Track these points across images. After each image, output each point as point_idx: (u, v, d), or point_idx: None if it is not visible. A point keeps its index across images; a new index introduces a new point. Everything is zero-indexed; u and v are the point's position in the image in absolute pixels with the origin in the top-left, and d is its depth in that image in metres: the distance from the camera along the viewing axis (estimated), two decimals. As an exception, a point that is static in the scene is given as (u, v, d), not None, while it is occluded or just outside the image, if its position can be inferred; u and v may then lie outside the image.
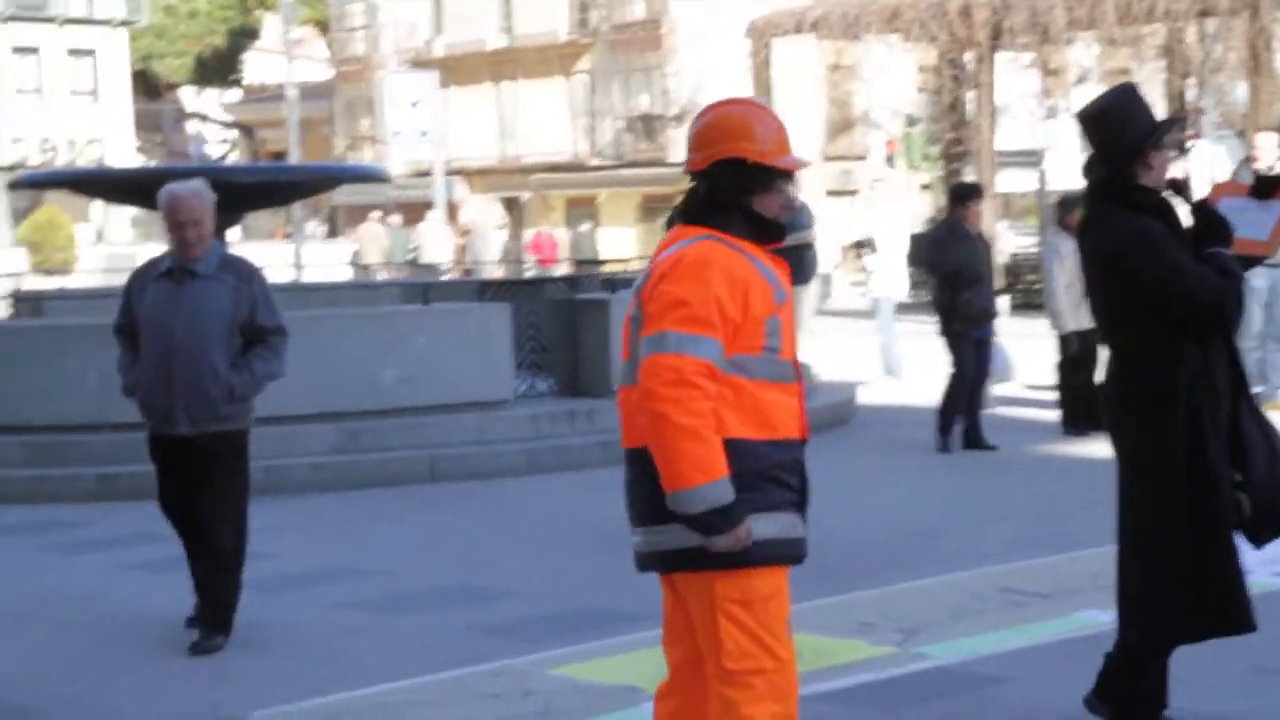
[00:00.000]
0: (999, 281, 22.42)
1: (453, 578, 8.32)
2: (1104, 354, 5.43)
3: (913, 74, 34.74)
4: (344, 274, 30.08)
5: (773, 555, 4.08)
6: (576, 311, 12.66)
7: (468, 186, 50.57)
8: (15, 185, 16.21)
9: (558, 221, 44.63)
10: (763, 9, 29.04)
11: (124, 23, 55.03)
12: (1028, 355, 14.24)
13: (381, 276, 26.61)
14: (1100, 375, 5.69)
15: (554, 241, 35.27)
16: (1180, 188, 5.28)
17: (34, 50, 51.97)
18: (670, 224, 4.24)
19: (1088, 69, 37.59)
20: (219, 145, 61.32)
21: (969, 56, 24.71)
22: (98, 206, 46.92)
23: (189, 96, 65.86)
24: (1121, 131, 5.09)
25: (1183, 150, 26.93)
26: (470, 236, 31.11)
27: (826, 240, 21.43)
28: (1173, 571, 5.07)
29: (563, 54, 49.86)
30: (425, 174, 41.44)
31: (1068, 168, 36.93)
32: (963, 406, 11.97)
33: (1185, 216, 5.26)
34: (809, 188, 35.87)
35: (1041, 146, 30.82)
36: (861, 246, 16.42)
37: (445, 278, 22.21)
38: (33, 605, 8.05)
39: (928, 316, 12.39)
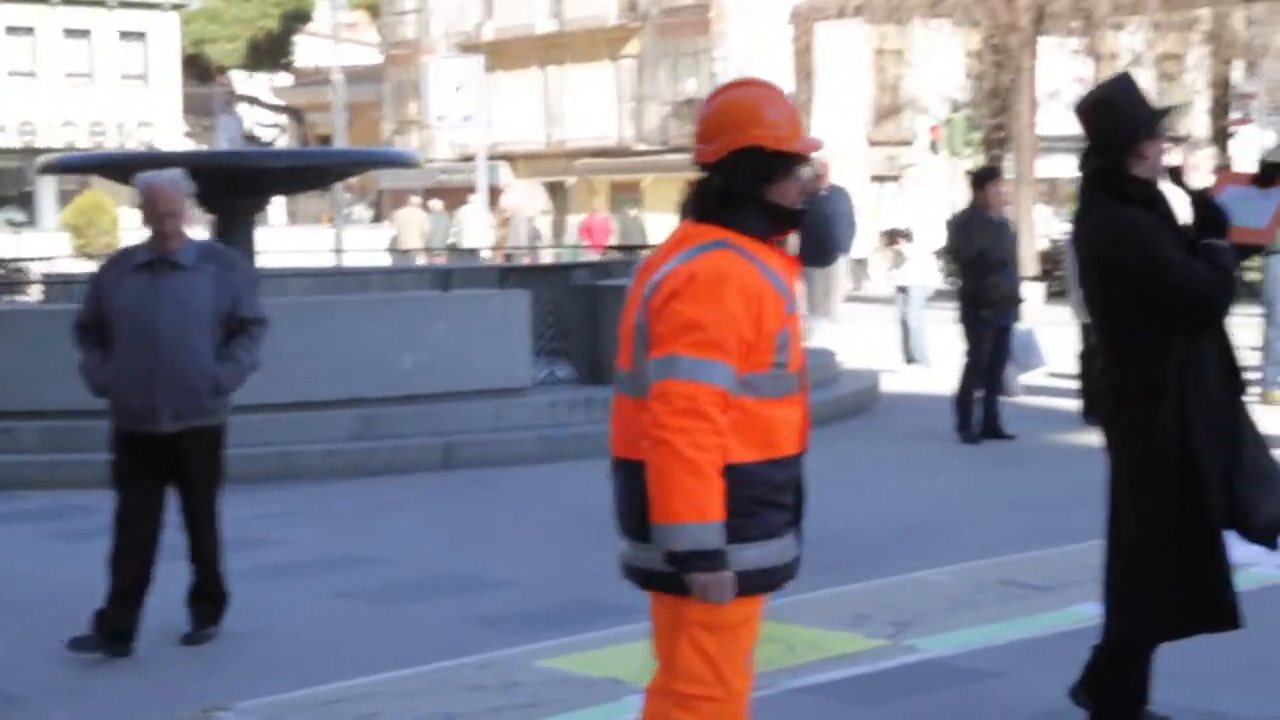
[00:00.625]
0: (1034, 268, 22.31)
1: (454, 567, 8.31)
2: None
3: (960, 59, 34.49)
4: (384, 259, 30.19)
5: (753, 586, 3.96)
6: (598, 298, 12.62)
7: (512, 171, 50.64)
8: (44, 170, 16.25)
9: (601, 206, 44.58)
10: (807, -7, 28.91)
11: (175, 6, 55.32)
12: (1060, 343, 14.13)
13: (421, 261, 26.66)
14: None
15: (607, 226, 35.19)
16: (1178, 177, 5.21)
17: (85, 33, 52.27)
18: (684, 214, 4.04)
19: (1139, 54, 37.34)
20: (269, 129, 61.57)
21: (1013, 41, 24.49)
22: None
23: (240, 80, 66.18)
24: (1114, 122, 5.03)
25: (1228, 135, 26.75)
26: (512, 222, 31.10)
27: (865, 226, 21.30)
28: (1160, 567, 5.01)
29: (611, 38, 49.81)
30: (470, 158, 41.49)
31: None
32: (974, 394, 11.88)
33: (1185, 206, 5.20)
34: (853, 172, 35.76)
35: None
36: (896, 234, 16.29)
37: (485, 262, 22.25)
38: (37, 593, 8.09)
39: (955, 303, 12.28)
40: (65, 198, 47.03)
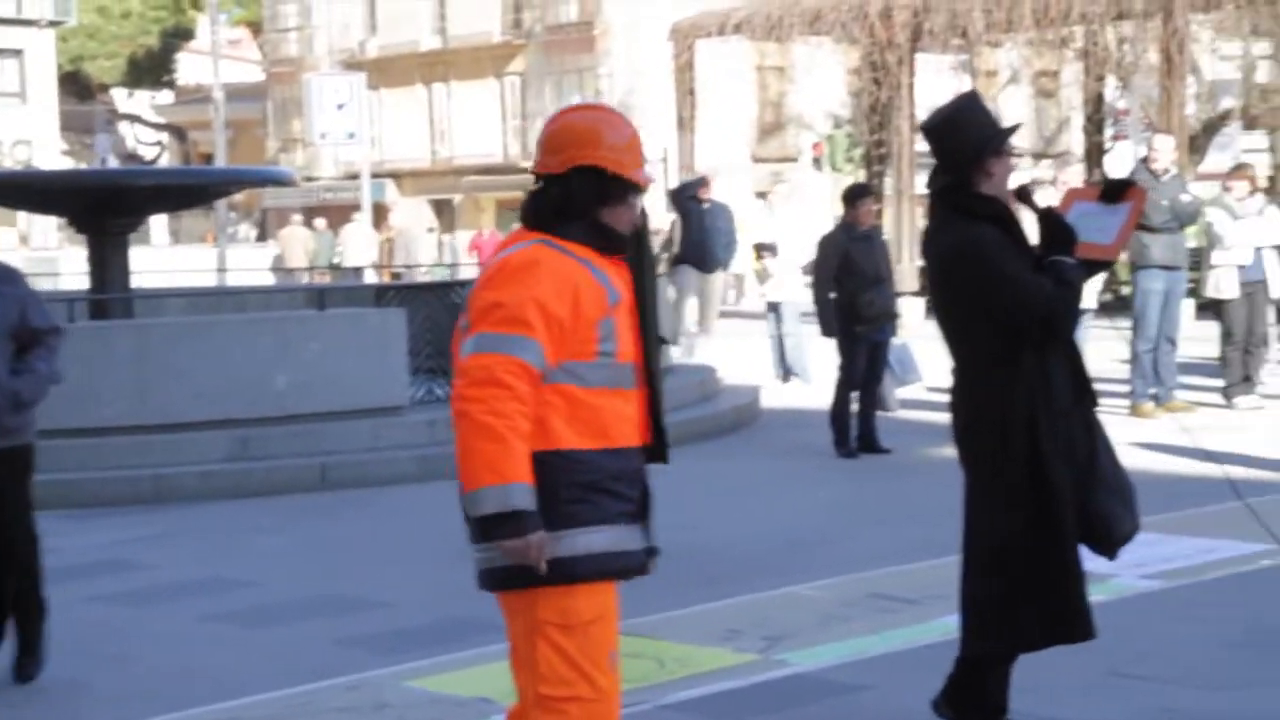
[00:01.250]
0: (914, 283, 22.54)
1: (325, 588, 8.24)
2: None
3: (841, 76, 34.84)
4: (267, 278, 29.92)
5: (598, 570, 3.96)
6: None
7: (398, 189, 50.41)
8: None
9: (489, 224, 44.48)
10: (690, 11, 29.04)
11: (52, 23, 54.56)
12: (937, 358, 14.25)
13: (305, 280, 26.46)
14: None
15: (497, 242, 35.11)
16: (1025, 195, 5.28)
17: (-40, 51, 51.48)
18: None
19: (1016, 71, 37.87)
20: (150, 147, 60.81)
21: (891, 58, 24.75)
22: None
23: (121, 98, 65.34)
24: (960, 140, 5.08)
25: (1103, 151, 27.18)
26: (396, 240, 30.95)
27: (746, 241, 21.46)
28: (1013, 581, 5.07)
29: (495, 55, 49.78)
30: (355, 176, 41.24)
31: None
32: (849, 409, 11.98)
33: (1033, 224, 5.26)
34: (738, 188, 35.96)
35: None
36: (763, 249, 16.44)
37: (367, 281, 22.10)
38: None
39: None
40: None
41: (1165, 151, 13.30)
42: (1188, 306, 17.59)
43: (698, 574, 8.37)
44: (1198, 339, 16.87)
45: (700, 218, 16.57)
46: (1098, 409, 5.19)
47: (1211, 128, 31.78)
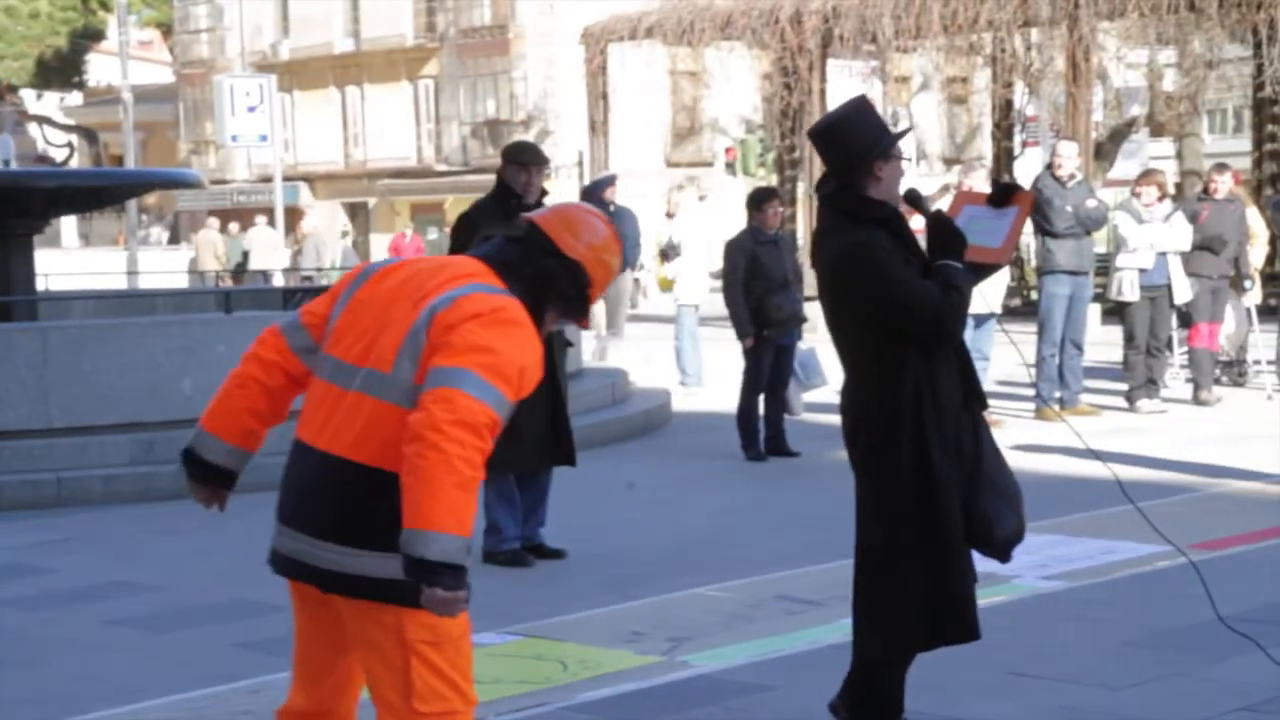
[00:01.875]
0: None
1: (229, 592, 8.18)
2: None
3: (754, 81, 35.00)
4: (180, 281, 29.69)
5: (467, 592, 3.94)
6: (385, 320, 12.52)
7: (312, 192, 50.14)
8: None
9: (404, 226, 44.30)
10: (604, 14, 29.08)
11: (-41, 24, 53.80)
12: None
13: (224, 284, 26.30)
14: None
15: (418, 245, 34.87)
16: (915, 199, 5.32)
17: None
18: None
19: (928, 77, 38.19)
20: (60, 149, 60.08)
21: (801, 64, 24.89)
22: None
23: (30, 99, 64.49)
24: (848, 144, 5.11)
25: (1012, 157, 27.45)
26: (305, 243, 30.80)
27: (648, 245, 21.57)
28: (900, 583, 5.12)
29: (409, 59, 49.62)
30: (269, 179, 40.99)
31: (908, 172, 37.51)
32: (757, 412, 12.06)
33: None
34: (652, 193, 36.04)
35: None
36: (665, 254, 16.53)
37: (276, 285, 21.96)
38: None
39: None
40: None
41: (1070, 157, 13.47)
42: (1094, 311, 17.82)
43: (603, 576, 8.40)
44: (1104, 344, 17.10)
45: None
46: (984, 412, 5.25)
47: (1119, 135, 32.19)
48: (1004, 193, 5.36)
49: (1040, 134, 32.98)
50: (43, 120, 19.31)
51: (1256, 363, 15.49)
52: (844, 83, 27.74)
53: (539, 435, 8.58)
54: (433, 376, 3.76)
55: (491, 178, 9.00)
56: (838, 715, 5.43)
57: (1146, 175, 14.38)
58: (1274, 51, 21.66)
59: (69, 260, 34.12)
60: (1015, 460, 10.85)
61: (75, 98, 63.99)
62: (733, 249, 12.05)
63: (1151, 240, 13.72)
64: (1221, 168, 15.00)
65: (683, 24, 26.09)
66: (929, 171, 41.84)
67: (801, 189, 25.94)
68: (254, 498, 11.44)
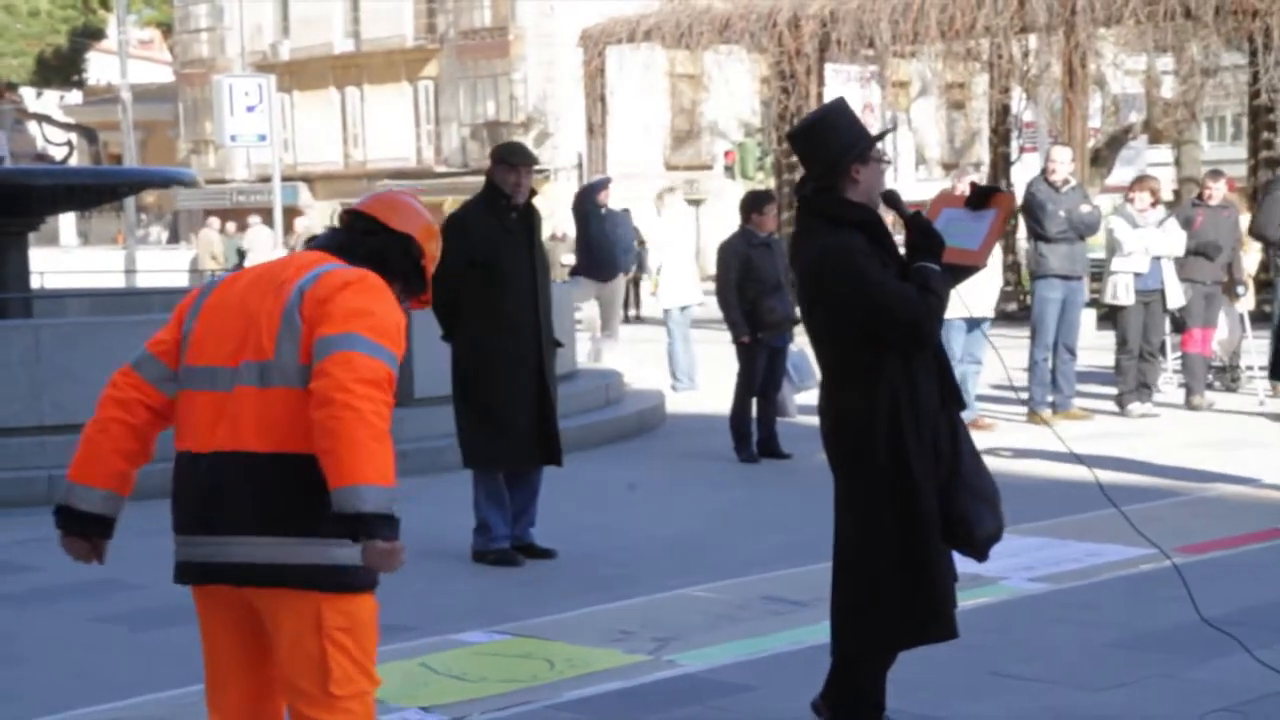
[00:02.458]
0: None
1: (218, 589, 8.19)
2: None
3: (753, 85, 35.05)
4: (183, 280, 29.71)
5: (373, 581, 4.03)
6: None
7: (311, 192, 50.16)
8: None
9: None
10: (603, 17, 29.13)
11: (-41, 22, 53.84)
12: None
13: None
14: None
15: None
16: (894, 201, 5.34)
17: None
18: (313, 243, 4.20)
19: (927, 82, 38.23)
20: (59, 148, 60.13)
21: (799, 68, 24.93)
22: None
23: (30, 97, 64.53)
24: (826, 146, 5.13)
25: (1009, 162, 27.48)
26: (301, 243, 30.85)
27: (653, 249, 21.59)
28: (878, 582, 5.14)
29: (409, 60, 49.66)
30: (268, 179, 41.01)
31: (906, 177, 37.57)
32: (749, 414, 12.08)
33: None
34: (650, 195, 36.09)
35: (887, 159, 31.17)
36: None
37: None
38: None
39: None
40: None
41: (1063, 163, 13.50)
42: (1089, 316, 17.86)
43: (592, 576, 8.42)
44: (1099, 348, 17.12)
45: (600, 224, 16.71)
46: (962, 413, 5.27)
47: (1117, 141, 32.23)
48: (982, 195, 5.38)
49: (1038, 139, 32.99)
50: (42, 118, 19.29)
51: (1249, 368, 15.51)
52: (842, 87, 27.78)
53: (527, 435, 8.61)
54: (322, 345, 3.84)
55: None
56: (819, 714, 5.45)
57: (1140, 181, 14.42)
58: (1269, 59, 21.71)
59: (67, 259, 34.17)
60: (1006, 463, 11.01)
61: (75, 96, 64.06)
62: (726, 252, 12.08)
63: (1146, 244, 13.75)
64: (1216, 174, 15.03)
65: (681, 27, 26.13)
66: (928, 176, 41.90)
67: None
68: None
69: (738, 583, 8.06)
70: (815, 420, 5.38)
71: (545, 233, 13.90)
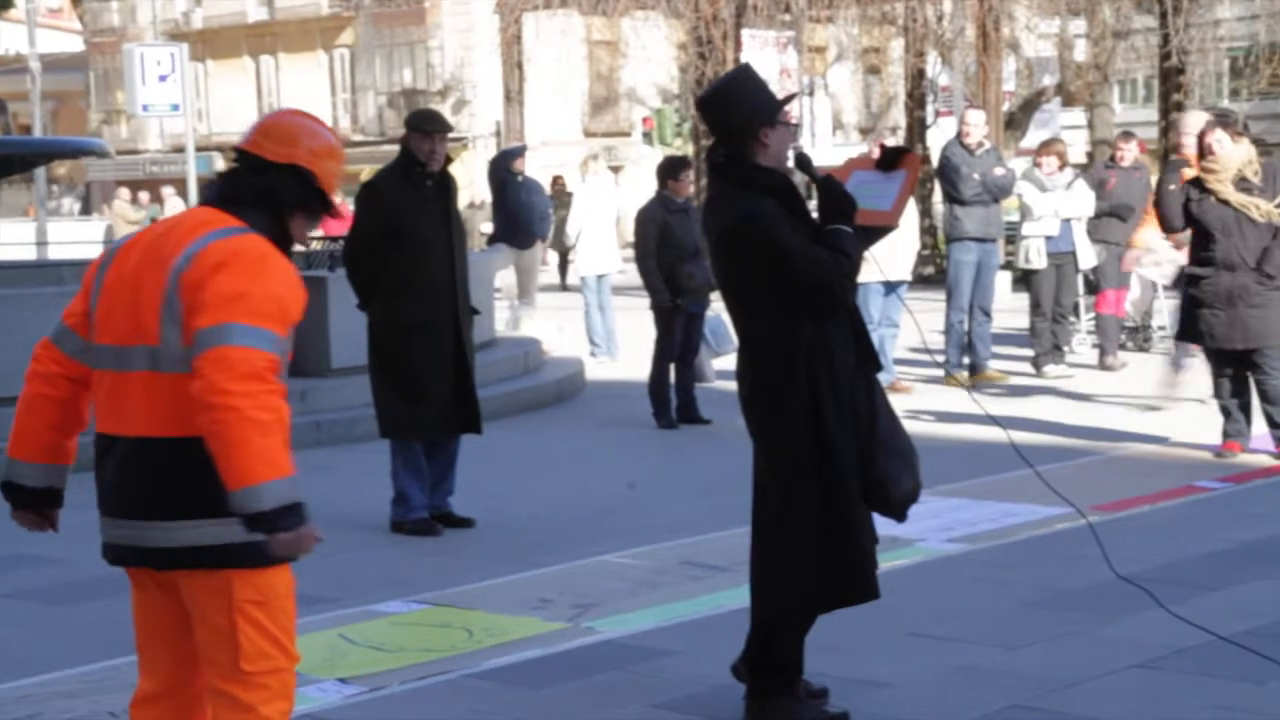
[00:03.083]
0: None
1: (133, 564, 8.11)
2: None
3: (671, 51, 35.02)
4: (96, 252, 29.27)
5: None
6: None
7: (225, 162, 49.68)
8: None
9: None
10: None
11: None
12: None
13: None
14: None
15: (346, 211, 34.53)
16: (804, 164, 5.34)
17: None
18: (206, 200, 4.10)
19: (844, 47, 38.32)
20: (-34, 119, 59.19)
21: (716, 33, 24.91)
22: None
23: (-63, 69, 63.49)
24: (734, 113, 5.12)
25: (925, 127, 27.61)
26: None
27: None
28: (797, 544, 5.15)
29: (324, 28, 49.25)
30: (182, 149, 40.56)
31: (824, 142, 37.65)
32: (668, 380, 12.09)
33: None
34: (570, 162, 35.99)
35: (797, 123, 31.27)
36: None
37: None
38: None
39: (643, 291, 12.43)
40: None
41: (978, 126, 13.57)
42: (1004, 279, 17.99)
43: (511, 544, 8.41)
44: (1014, 310, 17.26)
45: (516, 192, 16.68)
46: (878, 374, 5.29)
47: (1031, 105, 32.45)
48: (892, 156, 5.39)
49: (954, 103, 33.15)
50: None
51: (1161, 329, 15.68)
52: (758, 52, 27.80)
53: (444, 404, 8.57)
54: (198, 339, 3.81)
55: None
56: (740, 677, 5.46)
57: (1047, 145, 14.53)
58: (1179, 21, 21.91)
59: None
60: (923, 426, 11.08)
61: (-17, 67, 63.03)
62: (644, 218, 12.07)
63: (1056, 207, 13.86)
64: (1127, 136, 15.16)
65: (598, -8, 26.06)
66: (845, 141, 42.02)
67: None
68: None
69: (657, 548, 8.07)
70: (733, 386, 5.38)
71: (462, 201, 13.85)
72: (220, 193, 4.06)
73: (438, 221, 8.57)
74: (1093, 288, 14.99)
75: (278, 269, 3.90)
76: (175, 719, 4.16)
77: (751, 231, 5.03)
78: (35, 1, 38.38)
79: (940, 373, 13.76)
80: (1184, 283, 9.88)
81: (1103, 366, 14.49)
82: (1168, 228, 10.35)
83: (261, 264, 3.87)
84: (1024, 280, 15.18)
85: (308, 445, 11.02)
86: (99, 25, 55.54)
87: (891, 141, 14.09)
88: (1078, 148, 32.16)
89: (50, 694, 5.98)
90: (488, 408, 9.38)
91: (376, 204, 8.57)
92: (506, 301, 17.87)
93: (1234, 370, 9.77)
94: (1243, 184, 9.48)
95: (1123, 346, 15.16)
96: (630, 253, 12.73)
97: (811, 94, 34.75)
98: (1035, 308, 14.15)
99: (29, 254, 27.43)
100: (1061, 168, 14.15)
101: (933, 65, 27.88)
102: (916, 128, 26.53)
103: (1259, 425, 9.90)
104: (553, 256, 23.08)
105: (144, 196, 33.90)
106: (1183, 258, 10.90)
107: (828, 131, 35.68)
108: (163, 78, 32.65)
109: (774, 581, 5.23)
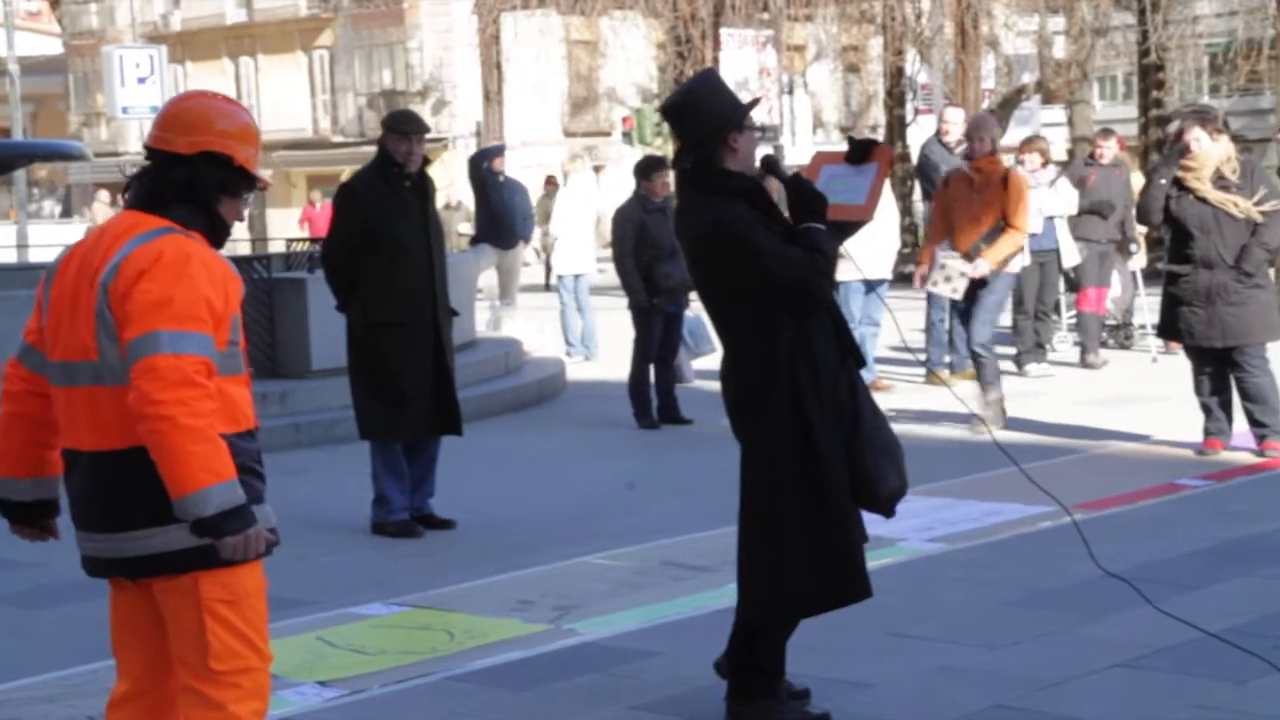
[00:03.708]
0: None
1: (111, 568, 8.07)
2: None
3: (651, 50, 35.02)
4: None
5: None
6: (272, 291, 12.41)
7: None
8: None
9: (300, 199, 43.91)
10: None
11: None
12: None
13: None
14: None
15: (328, 213, 34.44)
16: (772, 165, 5.32)
17: None
18: (130, 204, 4.07)
19: (823, 45, 38.35)
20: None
21: (695, 33, 24.89)
22: None
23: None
24: (701, 118, 5.10)
25: (904, 125, 27.62)
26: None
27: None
28: (785, 546, 5.12)
29: (303, 29, 49.13)
30: (161, 151, 40.42)
31: (803, 141, 37.67)
32: (648, 381, 12.07)
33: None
34: (549, 162, 35.95)
35: (777, 122, 31.28)
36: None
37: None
38: None
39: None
40: None
41: (957, 124, 13.56)
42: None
43: (493, 546, 8.38)
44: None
45: (498, 192, 16.66)
46: (861, 370, 5.26)
47: (1011, 102, 32.46)
48: (862, 149, 5.36)
49: (933, 101, 33.18)
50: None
51: (1142, 326, 15.70)
52: (737, 51, 27.78)
53: (424, 405, 8.54)
54: (129, 351, 3.83)
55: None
56: (721, 673, 5.44)
57: (1029, 143, 14.52)
58: (1158, 18, 21.94)
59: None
60: (905, 425, 11.05)
61: (-39, 70, 62.80)
62: (621, 218, 12.05)
63: (1039, 205, 13.84)
64: (1107, 133, 15.16)
65: (576, -8, 26.03)
66: (826, 140, 42.03)
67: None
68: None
69: (638, 549, 8.04)
70: (714, 385, 5.36)
71: (440, 201, 13.81)
72: (139, 194, 4.03)
73: (416, 222, 8.54)
74: (1074, 285, 14.99)
75: (201, 268, 3.87)
76: (147, 719, 4.15)
77: (724, 236, 5.02)
78: (13, 4, 38.24)
79: (921, 371, 13.74)
80: (1164, 280, 9.85)
81: (1084, 364, 14.50)
82: (1144, 220, 10.28)
83: (183, 266, 3.85)
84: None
85: (288, 447, 11.00)
86: (78, 28, 55.36)
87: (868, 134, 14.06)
88: (1058, 145, 32.15)
89: (28, 698, 5.94)
90: (468, 409, 9.35)
91: (354, 205, 8.54)
92: (488, 302, 17.84)
93: (1214, 368, 9.76)
94: (1220, 182, 9.47)
95: (1104, 344, 15.17)
96: (609, 253, 12.69)
97: (791, 93, 34.71)
98: (1018, 306, 14.15)
99: (9, 256, 27.31)
100: (1044, 165, 14.15)
101: (912, 63, 27.89)
102: (896, 125, 26.56)
103: (1239, 423, 9.90)
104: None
105: (124, 199, 33.72)
106: (973, 270, 10.78)
107: (808, 130, 35.65)
108: (142, 80, 32.57)
109: (763, 584, 5.20)
